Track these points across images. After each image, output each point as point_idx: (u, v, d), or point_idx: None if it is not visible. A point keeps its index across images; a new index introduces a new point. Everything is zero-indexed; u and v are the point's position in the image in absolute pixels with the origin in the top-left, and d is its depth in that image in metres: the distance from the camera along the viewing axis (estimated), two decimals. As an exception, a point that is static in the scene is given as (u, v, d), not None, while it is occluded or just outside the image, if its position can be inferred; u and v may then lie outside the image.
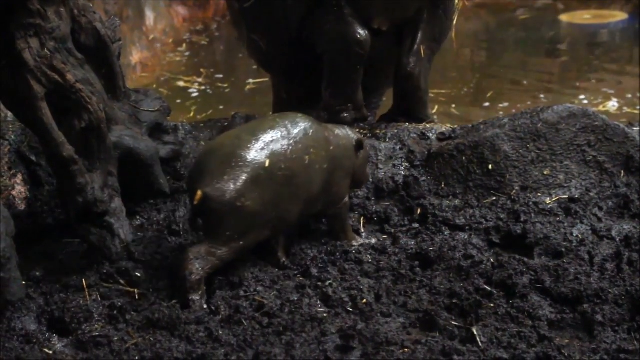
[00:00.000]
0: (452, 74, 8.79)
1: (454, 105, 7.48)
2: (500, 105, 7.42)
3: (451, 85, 8.16)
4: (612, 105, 7.55)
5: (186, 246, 4.25)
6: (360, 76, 5.30)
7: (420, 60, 5.40)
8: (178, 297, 3.94)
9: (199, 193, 3.89)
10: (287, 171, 4.05)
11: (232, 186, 3.92)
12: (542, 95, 7.83)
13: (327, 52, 5.27)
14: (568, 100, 7.62)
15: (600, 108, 7.46)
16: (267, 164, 3.99)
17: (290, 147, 4.07)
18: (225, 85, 8.41)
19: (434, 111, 7.15)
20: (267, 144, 4.02)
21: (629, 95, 7.73)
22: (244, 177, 3.95)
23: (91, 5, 4.58)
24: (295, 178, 4.08)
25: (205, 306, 3.92)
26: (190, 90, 8.31)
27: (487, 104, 7.56)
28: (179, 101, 7.64)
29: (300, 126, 4.16)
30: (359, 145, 4.46)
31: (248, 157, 3.98)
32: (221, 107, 7.83)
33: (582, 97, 7.78)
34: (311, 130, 4.18)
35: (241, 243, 4.02)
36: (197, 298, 3.92)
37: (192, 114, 7.50)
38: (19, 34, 3.86)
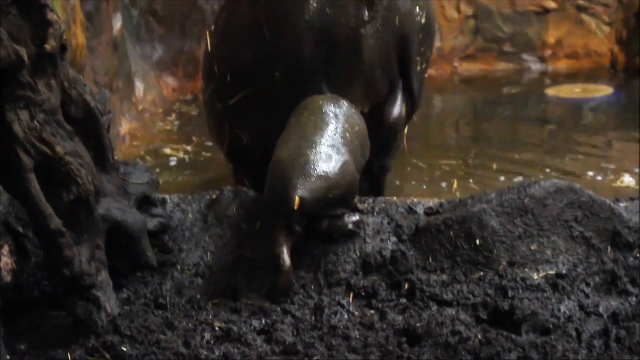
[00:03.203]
0: (452, 144, 8.86)
1: (471, 180, 7.47)
2: (516, 180, 7.38)
3: (454, 155, 8.19)
4: (629, 180, 7.47)
5: (174, 320, 4.25)
6: None
7: (401, 115, 5.80)
8: None
9: (297, 199, 4.40)
10: (347, 154, 4.76)
11: (319, 183, 4.54)
12: (548, 170, 7.78)
13: None
14: (576, 174, 7.62)
15: (618, 184, 7.41)
16: (332, 154, 4.67)
17: (338, 134, 4.82)
18: (209, 155, 8.41)
19: (455, 186, 7.18)
20: (324, 139, 4.73)
21: (637, 170, 7.66)
22: (324, 172, 4.56)
23: (82, 77, 4.62)
24: (354, 155, 4.86)
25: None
26: (171, 159, 8.30)
27: (502, 178, 7.54)
28: (157, 170, 7.62)
29: (331, 113, 4.94)
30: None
31: (318, 156, 4.61)
32: (187, 172, 7.87)
33: (590, 173, 7.71)
34: (340, 115, 4.96)
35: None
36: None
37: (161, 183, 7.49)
38: (9, 106, 3.86)
